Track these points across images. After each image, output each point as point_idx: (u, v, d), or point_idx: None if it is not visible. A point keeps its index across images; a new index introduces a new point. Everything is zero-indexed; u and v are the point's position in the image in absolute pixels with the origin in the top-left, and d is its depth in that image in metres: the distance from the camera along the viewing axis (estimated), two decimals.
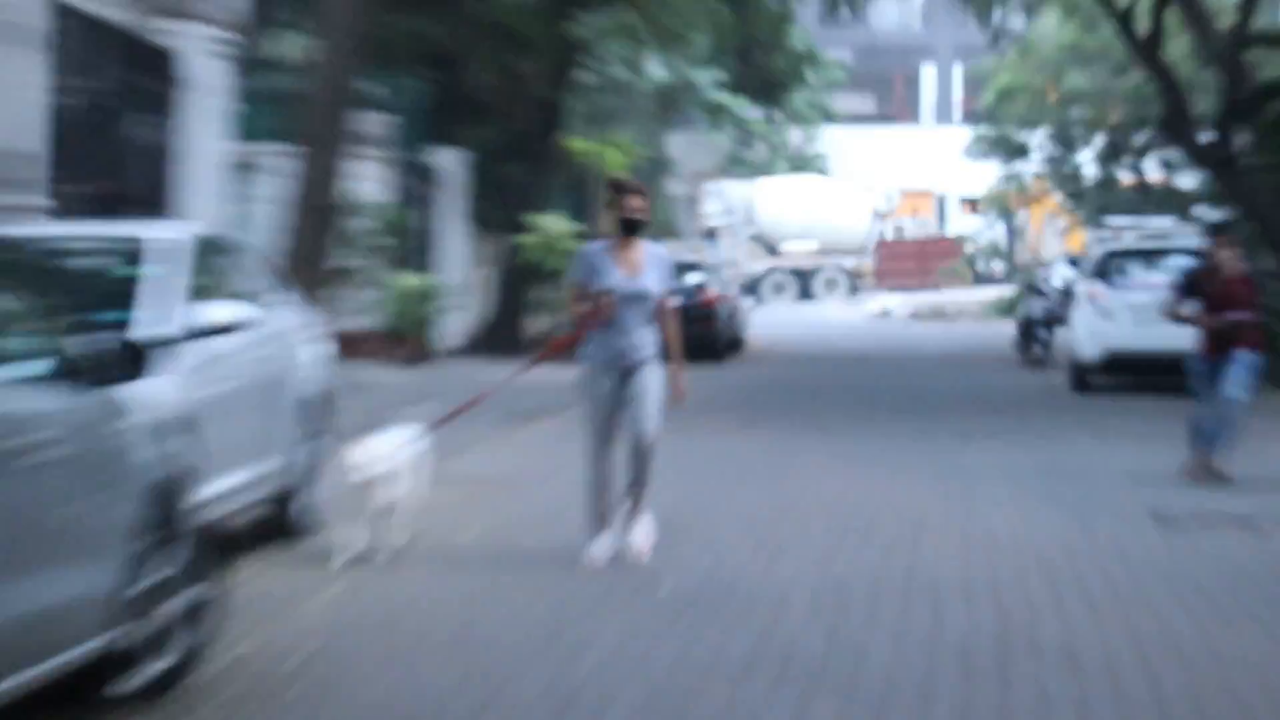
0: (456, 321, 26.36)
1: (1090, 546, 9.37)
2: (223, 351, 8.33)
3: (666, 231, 61.96)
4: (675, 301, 8.91)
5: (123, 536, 5.67)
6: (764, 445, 14.52)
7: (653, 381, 8.64)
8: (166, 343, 7.62)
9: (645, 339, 8.67)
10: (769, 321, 36.58)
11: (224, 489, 8.03)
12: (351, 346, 19.02)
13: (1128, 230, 24.12)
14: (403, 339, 22.07)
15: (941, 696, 6.26)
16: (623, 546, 8.69)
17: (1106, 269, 20.18)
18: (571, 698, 6.12)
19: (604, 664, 6.62)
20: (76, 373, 5.42)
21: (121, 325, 7.75)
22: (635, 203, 8.70)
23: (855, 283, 52.86)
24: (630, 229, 8.70)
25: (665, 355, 8.74)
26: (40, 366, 5.42)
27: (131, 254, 8.59)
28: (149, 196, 15.14)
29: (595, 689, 6.25)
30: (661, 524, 9.97)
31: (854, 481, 12.11)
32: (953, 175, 55.40)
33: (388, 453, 8.66)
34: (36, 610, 5.04)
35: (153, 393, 6.59)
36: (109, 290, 8.39)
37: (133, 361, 5.56)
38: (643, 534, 8.80)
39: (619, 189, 8.76)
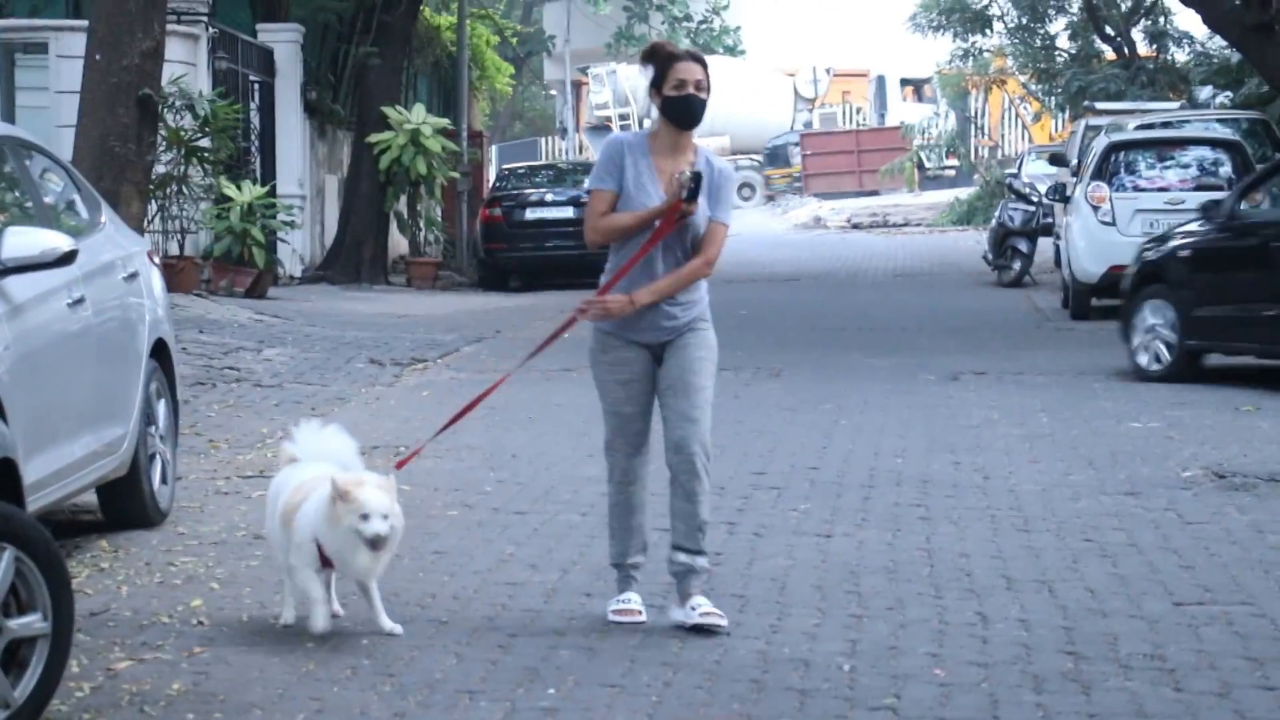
0: (298, 241, 25.73)
1: (1148, 519, 9.07)
2: (36, 293, 7.72)
3: (542, 127, 61.53)
4: (720, 237, 7.05)
5: None
6: None
7: (701, 358, 7.07)
8: None
9: (685, 291, 7.05)
10: None
11: (48, 472, 7.46)
12: (176, 276, 18.38)
13: (1127, 116, 23.89)
14: (238, 265, 21.40)
15: (1011, 712, 5.94)
16: (684, 619, 7.02)
17: (1109, 166, 19.93)
18: None
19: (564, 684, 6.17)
20: None
21: None
22: (692, 73, 6.98)
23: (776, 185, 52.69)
24: (684, 115, 6.98)
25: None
26: None
27: None
28: None
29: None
30: (606, 497, 9.58)
31: (830, 438, 11.77)
32: (891, 53, 55.17)
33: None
34: None
35: None
36: None
37: None
38: (705, 604, 7.09)
39: (661, 56, 7.05)
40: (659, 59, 7.03)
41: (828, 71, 55.82)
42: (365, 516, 6.65)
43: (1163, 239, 15.55)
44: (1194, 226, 15.17)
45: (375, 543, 6.67)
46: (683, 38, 56.71)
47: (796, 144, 51.49)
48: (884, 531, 8.80)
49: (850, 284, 27.22)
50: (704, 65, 7.05)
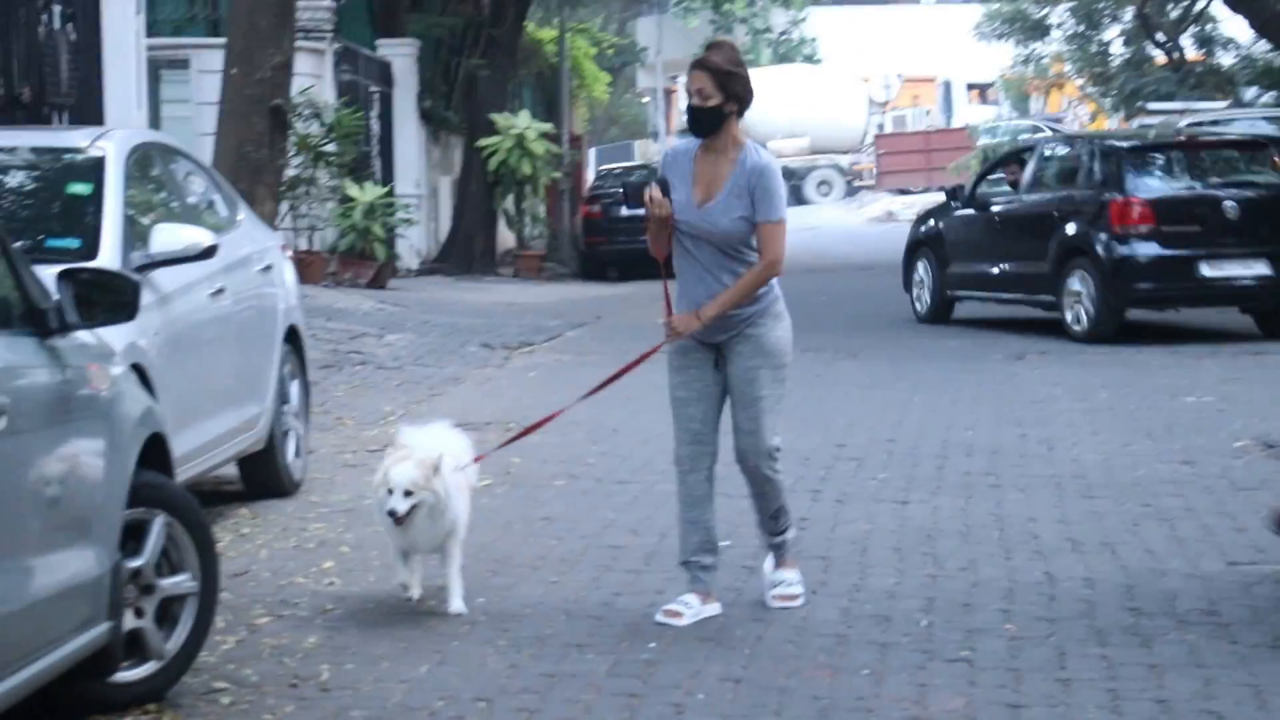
0: (415, 237, 25.81)
1: (1202, 485, 8.94)
2: (182, 283, 7.79)
3: (636, 131, 61.44)
4: (773, 237, 6.38)
5: (116, 511, 5.21)
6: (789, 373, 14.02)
7: (755, 367, 6.50)
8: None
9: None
10: None
11: (194, 446, 7.52)
12: (305, 269, 18.47)
13: (1177, 115, 23.55)
14: (361, 259, 21.50)
15: (1077, 664, 5.86)
16: (763, 593, 6.74)
17: None
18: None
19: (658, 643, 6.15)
20: (44, 313, 4.86)
21: (60, 255, 7.16)
22: (692, 81, 6.38)
23: (852, 183, 52.39)
24: (689, 122, 6.45)
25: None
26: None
27: (57, 168, 8.01)
28: (55, 100, 14.48)
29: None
30: None
31: (905, 412, 11.68)
32: (957, 59, 54.74)
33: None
34: (30, 600, 4.64)
35: (115, 338, 6.04)
36: (36, 213, 7.83)
37: (129, 301, 5.01)
38: (785, 583, 6.74)
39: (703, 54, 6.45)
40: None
41: (899, 77, 55.45)
42: (389, 491, 6.42)
43: (929, 216, 18.81)
44: (948, 206, 18.31)
45: (393, 517, 6.39)
46: (764, 48, 56.52)
47: None
48: (957, 498, 8.72)
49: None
50: (711, 70, 6.33)
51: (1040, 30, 41.01)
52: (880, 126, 55.01)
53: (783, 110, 50.57)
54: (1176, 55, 37.42)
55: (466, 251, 26.88)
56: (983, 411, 11.64)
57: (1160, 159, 16.10)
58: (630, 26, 56.65)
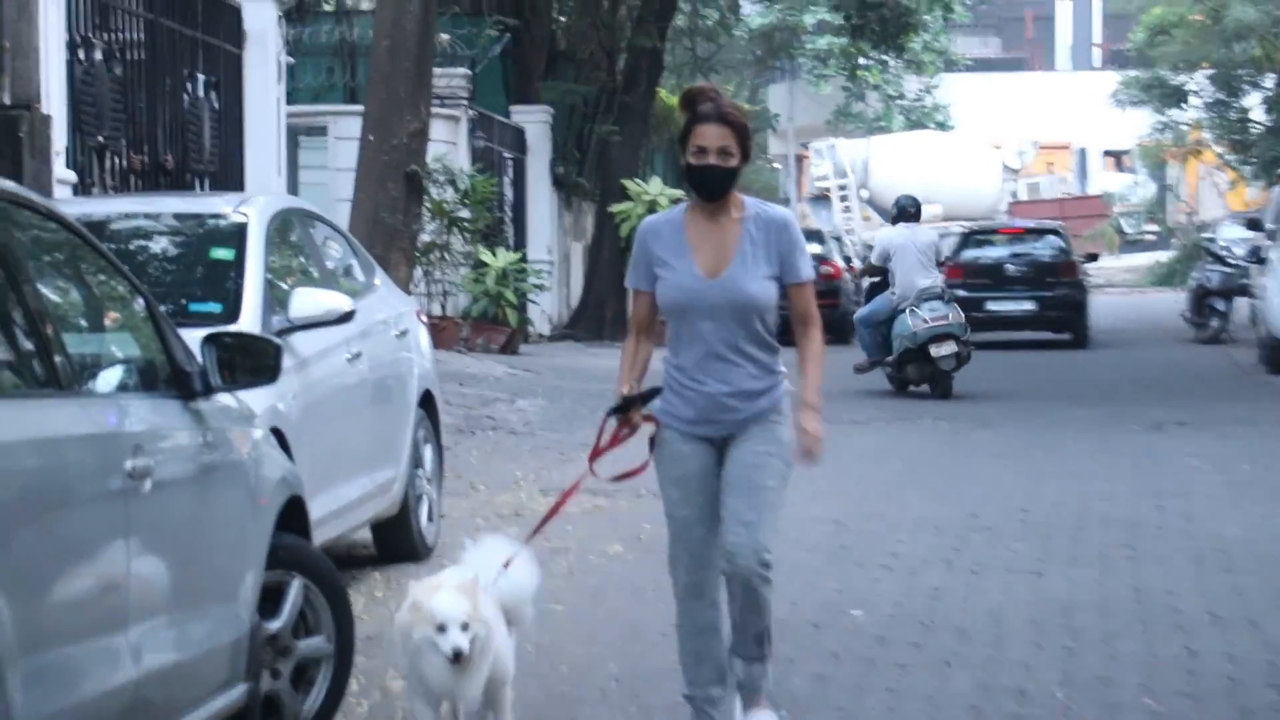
0: (547, 303, 25.97)
1: None
2: (320, 348, 7.91)
3: (768, 197, 61.50)
4: (811, 298, 5.65)
5: (256, 573, 5.30)
6: (922, 442, 13.96)
7: (766, 454, 5.55)
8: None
9: (751, 378, 5.57)
10: None
11: (330, 510, 7.60)
12: (438, 334, 18.67)
13: None
14: (494, 324, 21.68)
15: None
16: None
17: None
18: None
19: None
20: (188, 376, 4.97)
21: (203, 319, 7.31)
22: (713, 139, 5.48)
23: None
24: (701, 186, 5.56)
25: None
26: (141, 368, 5.01)
27: (200, 234, 8.19)
28: (198, 166, 14.78)
29: None
30: (831, 536, 9.50)
31: (1040, 482, 11.56)
32: (1093, 126, 54.30)
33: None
34: (175, 659, 4.70)
35: (255, 401, 6.14)
36: (179, 278, 8.00)
37: (271, 364, 5.11)
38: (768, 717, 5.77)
39: (688, 112, 5.57)
40: (687, 114, 5.59)
41: (1033, 144, 55.03)
42: (442, 628, 5.28)
43: None
44: None
45: (456, 658, 5.28)
46: (896, 114, 56.38)
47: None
48: (1093, 570, 8.61)
49: (1053, 339, 26.72)
50: (735, 126, 5.51)
51: (1178, 97, 40.62)
52: (1014, 194, 54.60)
53: (915, 177, 50.23)
54: None
55: (598, 317, 27.00)
56: (1119, 482, 11.49)
57: (979, 238, 26.15)
58: (762, 93, 56.93)
